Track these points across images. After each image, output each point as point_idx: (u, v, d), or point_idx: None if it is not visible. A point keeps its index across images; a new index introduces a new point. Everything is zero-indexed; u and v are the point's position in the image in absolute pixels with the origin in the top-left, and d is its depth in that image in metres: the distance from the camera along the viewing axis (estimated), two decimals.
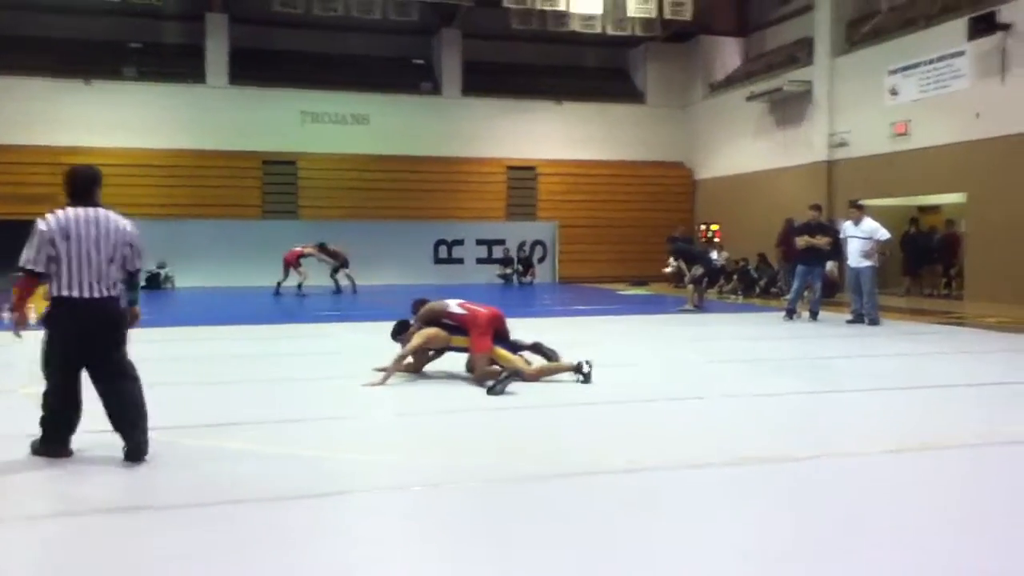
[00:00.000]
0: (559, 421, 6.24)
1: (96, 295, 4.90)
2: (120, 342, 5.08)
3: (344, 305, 17.12)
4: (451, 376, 7.91)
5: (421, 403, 6.87)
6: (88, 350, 4.95)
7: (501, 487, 4.51)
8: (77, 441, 5.03)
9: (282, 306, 16.91)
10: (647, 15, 23.53)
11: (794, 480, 4.68)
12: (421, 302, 8.24)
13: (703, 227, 26.74)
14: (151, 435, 4.98)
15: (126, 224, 5.10)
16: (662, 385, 7.87)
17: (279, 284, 20.01)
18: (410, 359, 7.92)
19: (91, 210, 4.98)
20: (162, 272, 22.41)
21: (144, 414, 5.00)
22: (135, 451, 4.88)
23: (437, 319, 7.92)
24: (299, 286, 20.09)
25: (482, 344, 7.63)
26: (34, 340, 5.16)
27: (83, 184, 5.06)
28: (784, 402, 6.96)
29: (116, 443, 4.96)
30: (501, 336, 7.89)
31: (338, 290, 20.41)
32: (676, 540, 3.75)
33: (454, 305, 7.93)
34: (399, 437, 5.82)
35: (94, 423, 4.98)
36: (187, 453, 5.17)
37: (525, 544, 3.66)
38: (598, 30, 24.30)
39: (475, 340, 7.65)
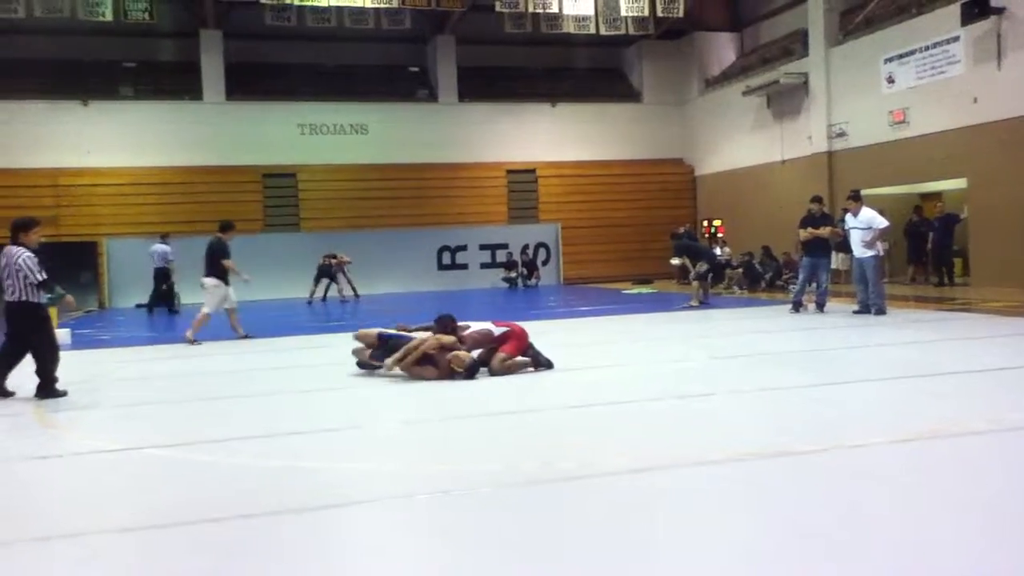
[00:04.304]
0: (564, 423, 6.22)
1: (11, 299, 7.84)
2: (27, 324, 7.85)
3: (343, 316, 17.11)
4: (449, 382, 7.92)
5: (421, 411, 6.86)
6: (10, 329, 7.99)
7: (508, 492, 4.48)
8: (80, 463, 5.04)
9: (279, 319, 16.89)
10: (640, 14, 23.58)
11: (804, 474, 4.65)
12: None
13: (705, 223, 26.71)
14: (161, 452, 5.61)
15: (18, 255, 7.80)
16: (668, 383, 7.83)
17: (326, 292, 22.04)
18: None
19: (10, 247, 7.88)
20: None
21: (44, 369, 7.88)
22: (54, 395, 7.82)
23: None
24: (315, 294, 21.69)
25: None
26: None
27: (12, 229, 7.97)
28: (792, 395, 6.93)
29: (126, 460, 5.03)
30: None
31: (352, 295, 21.90)
32: (686, 540, 3.73)
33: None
34: (401, 446, 5.80)
35: (97, 443, 4.98)
36: (196, 469, 5.18)
37: (537, 549, 3.65)
38: (591, 31, 24.36)
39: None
